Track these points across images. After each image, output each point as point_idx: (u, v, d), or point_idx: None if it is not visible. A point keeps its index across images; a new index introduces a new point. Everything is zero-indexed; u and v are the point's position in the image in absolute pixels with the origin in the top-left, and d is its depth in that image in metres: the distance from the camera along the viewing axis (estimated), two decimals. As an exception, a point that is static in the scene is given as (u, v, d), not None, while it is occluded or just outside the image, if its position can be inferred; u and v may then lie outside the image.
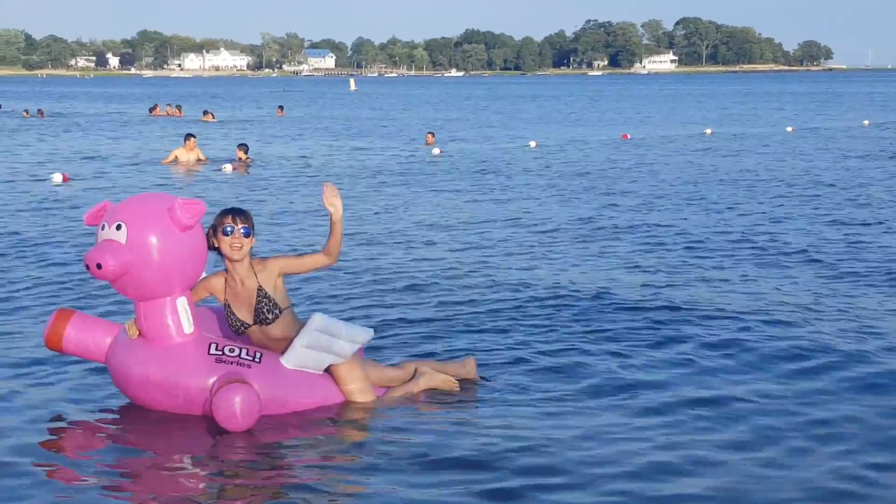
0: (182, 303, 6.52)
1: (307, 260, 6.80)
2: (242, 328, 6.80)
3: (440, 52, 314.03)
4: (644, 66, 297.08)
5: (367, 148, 31.37)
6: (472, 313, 9.46)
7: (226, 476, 5.84)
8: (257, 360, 6.63)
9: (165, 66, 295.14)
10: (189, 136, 25.73)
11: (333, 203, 6.65)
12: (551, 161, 26.27)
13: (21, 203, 17.39)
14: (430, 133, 33.26)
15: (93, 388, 7.29)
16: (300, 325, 6.77)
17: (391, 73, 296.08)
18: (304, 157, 27.83)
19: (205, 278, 6.85)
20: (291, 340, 6.74)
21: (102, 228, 6.35)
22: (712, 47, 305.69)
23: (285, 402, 6.66)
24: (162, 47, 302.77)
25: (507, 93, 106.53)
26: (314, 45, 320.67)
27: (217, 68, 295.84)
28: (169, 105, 53.77)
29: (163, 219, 6.29)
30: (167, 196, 6.48)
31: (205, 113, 47.16)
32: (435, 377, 7.19)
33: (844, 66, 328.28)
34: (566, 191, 19.54)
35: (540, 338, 8.60)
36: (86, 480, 5.74)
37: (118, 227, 6.26)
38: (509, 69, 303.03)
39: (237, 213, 6.73)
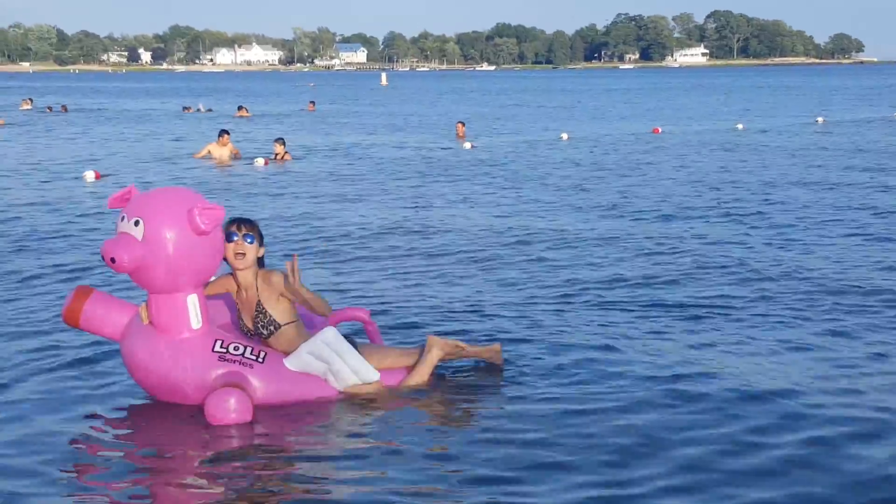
0: (192, 299, 6.57)
1: (308, 296, 6.69)
2: (248, 333, 6.89)
3: (472, 46, 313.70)
4: (675, 60, 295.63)
5: (397, 142, 31.32)
6: (499, 306, 9.43)
7: (232, 471, 5.83)
8: (261, 359, 6.70)
9: (197, 61, 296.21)
10: (223, 132, 25.72)
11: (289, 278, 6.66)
12: (582, 154, 26.17)
13: (54, 201, 17.44)
14: (460, 123, 32.91)
15: (105, 377, 7.39)
16: (305, 338, 6.83)
17: (423, 66, 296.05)
18: (334, 152, 27.80)
19: (223, 276, 6.92)
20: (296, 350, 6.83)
21: (122, 220, 6.40)
22: (743, 40, 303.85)
23: (285, 403, 6.69)
24: (194, 42, 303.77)
25: (538, 86, 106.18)
26: (346, 40, 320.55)
27: (249, 63, 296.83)
28: (200, 108, 53.90)
29: (181, 219, 6.32)
30: (189, 195, 6.51)
31: (239, 108, 47.23)
32: (445, 345, 7.16)
33: (875, 59, 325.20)
34: (596, 187, 19.43)
35: (566, 331, 8.49)
36: (87, 475, 5.77)
37: (136, 223, 6.31)
38: (540, 63, 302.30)
39: (242, 220, 6.77)
